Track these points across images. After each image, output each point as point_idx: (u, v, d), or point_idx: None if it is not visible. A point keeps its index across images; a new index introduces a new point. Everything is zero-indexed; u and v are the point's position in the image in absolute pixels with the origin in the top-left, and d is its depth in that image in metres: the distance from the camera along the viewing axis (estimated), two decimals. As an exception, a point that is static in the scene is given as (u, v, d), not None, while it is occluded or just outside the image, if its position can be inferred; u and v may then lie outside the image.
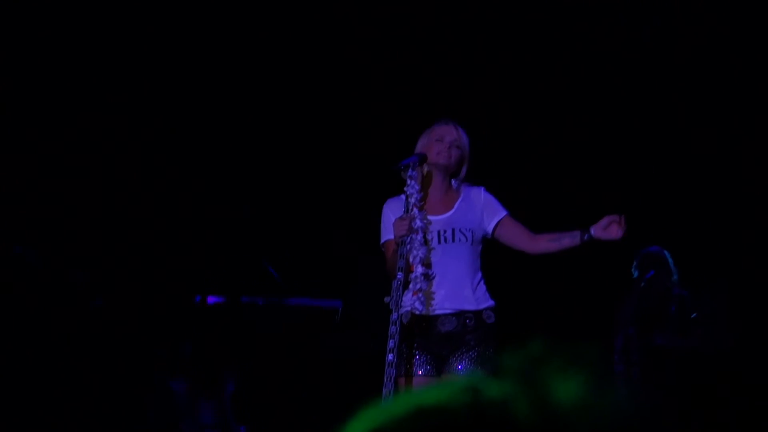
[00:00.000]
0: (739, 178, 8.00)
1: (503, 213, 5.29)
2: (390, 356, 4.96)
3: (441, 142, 5.28)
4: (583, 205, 8.19)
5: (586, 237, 5.24)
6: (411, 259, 5.11)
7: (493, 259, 5.37)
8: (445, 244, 5.20)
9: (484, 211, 5.27)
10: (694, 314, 7.10)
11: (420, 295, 5.09)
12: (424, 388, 0.72)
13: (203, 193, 7.89)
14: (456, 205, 5.27)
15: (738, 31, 8.00)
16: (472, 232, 5.23)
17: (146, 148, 7.84)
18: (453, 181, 5.33)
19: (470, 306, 5.16)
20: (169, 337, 6.75)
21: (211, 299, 6.70)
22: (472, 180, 5.37)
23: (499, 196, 5.35)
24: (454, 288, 5.17)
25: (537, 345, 0.71)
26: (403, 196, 5.23)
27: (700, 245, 7.90)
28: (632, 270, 7.31)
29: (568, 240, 5.29)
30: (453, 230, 5.21)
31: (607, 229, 5.22)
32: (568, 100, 8.25)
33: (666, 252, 7.25)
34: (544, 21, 8.14)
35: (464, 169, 5.33)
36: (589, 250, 7.95)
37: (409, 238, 5.11)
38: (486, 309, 5.19)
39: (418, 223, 5.18)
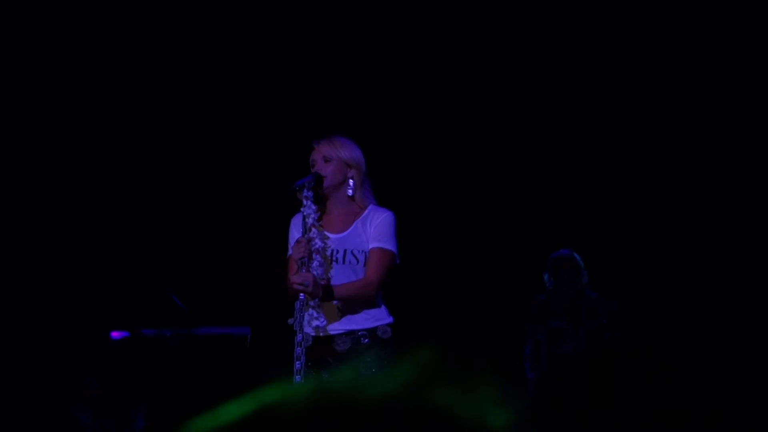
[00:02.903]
0: (659, 182, 8.04)
1: (374, 245, 5.20)
2: (297, 378, 4.93)
3: (314, 165, 5.27)
4: (494, 208, 8.22)
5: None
6: (309, 280, 5.10)
7: (401, 270, 5.34)
8: (336, 264, 5.19)
9: (371, 235, 5.24)
10: (604, 320, 7.11)
11: (314, 313, 5.08)
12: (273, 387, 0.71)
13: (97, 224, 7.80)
14: (353, 225, 5.24)
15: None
16: (364, 254, 5.20)
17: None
18: (366, 199, 5.30)
19: (363, 324, 5.15)
20: (75, 374, 6.65)
21: (115, 335, 6.62)
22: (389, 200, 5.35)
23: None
24: (345, 308, 5.16)
25: (424, 352, 0.71)
26: None
27: (610, 250, 7.94)
28: (543, 275, 7.32)
29: None
30: (345, 251, 5.19)
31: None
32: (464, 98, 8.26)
33: (576, 255, 7.27)
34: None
35: (352, 181, 5.28)
36: (501, 255, 8.01)
37: (307, 259, 5.10)
38: (382, 326, 5.17)
39: (318, 243, 5.18)
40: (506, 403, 0.71)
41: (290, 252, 5.24)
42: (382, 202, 5.36)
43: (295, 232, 5.25)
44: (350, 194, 5.28)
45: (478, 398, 0.70)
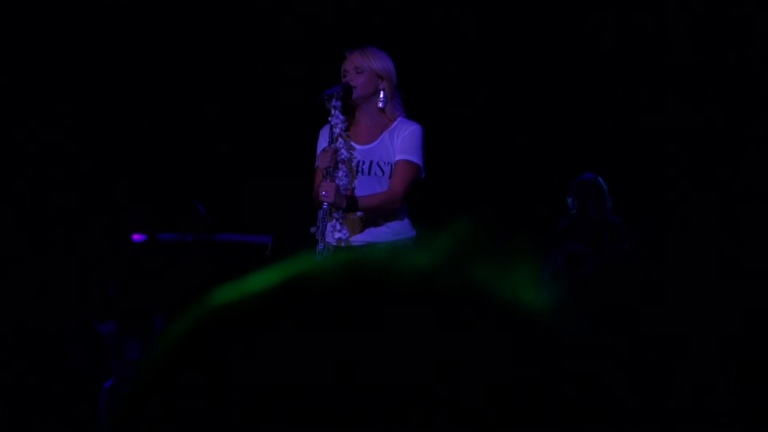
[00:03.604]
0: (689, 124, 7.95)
1: (400, 157, 5.19)
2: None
3: (345, 76, 5.25)
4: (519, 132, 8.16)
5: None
6: (335, 189, 5.10)
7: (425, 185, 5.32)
8: (362, 175, 5.20)
9: (398, 147, 5.21)
10: (626, 245, 7.06)
11: (338, 225, 5.08)
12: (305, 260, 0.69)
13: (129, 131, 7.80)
14: (380, 137, 5.24)
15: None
16: (390, 166, 5.18)
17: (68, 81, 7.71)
18: (396, 112, 5.27)
19: (386, 237, 5.14)
20: (94, 278, 6.69)
21: (136, 237, 6.63)
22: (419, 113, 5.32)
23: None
24: (367, 220, 5.16)
25: (460, 225, 0.69)
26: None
27: (637, 177, 7.88)
28: (567, 198, 7.27)
29: None
30: (371, 162, 5.20)
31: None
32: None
33: (600, 179, 7.21)
34: None
35: (383, 93, 5.26)
36: (525, 179, 7.97)
37: (332, 169, 5.09)
38: (404, 239, 5.15)
39: (344, 153, 5.19)
40: (541, 285, 0.69)
41: (316, 163, 5.24)
42: (411, 117, 5.34)
43: (323, 142, 5.26)
44: (381, 106, 5.27)
45: (515, 277, 0.68)
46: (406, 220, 5.25)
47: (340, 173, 5.15)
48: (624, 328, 6.56)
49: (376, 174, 5.18)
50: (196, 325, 0.66)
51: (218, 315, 0.66)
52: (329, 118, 5.21)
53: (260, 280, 0.68)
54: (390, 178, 5.17)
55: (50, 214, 7.37)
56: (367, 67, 5.22)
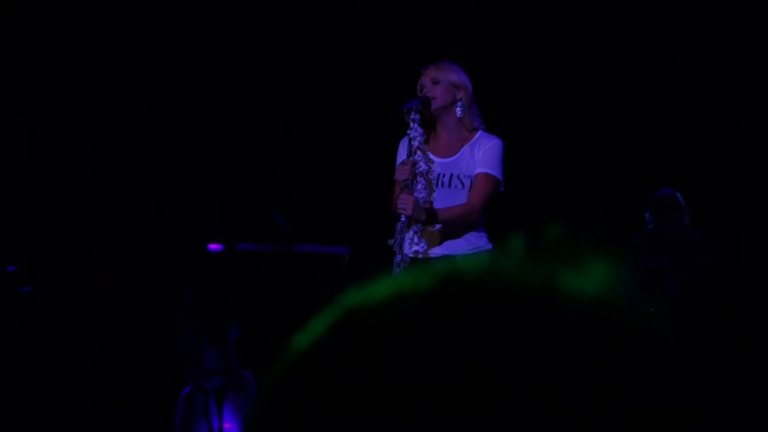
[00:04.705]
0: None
1: (481, 170, 5.20)
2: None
3: (422, 89, 5.31)
4: (595, 145, 8.11)
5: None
6: (413, 202, 5.11)
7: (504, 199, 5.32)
8: (442, 188, 5.21)
9: (478, 160, 5.22)
10: (705, 262, 7.00)
11: (416, 238, 5.09)
12: (404, 275, 0.70)
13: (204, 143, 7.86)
14: (461, 151, 5.26)
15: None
16: (470, 179, 5.19)
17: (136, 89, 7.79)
18: (474, 122, 5.29)
19: (463, 250, 5.15)
20: (172, 285, 6.74)
21: (212, 247, 6.68)
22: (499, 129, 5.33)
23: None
24: (446, 233, 5.17)
25: (551, 229, 0.71)
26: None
27: (713, 192, 7.79)
28: (644, 213, 7.23)
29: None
30: (451, 176, 5.21)
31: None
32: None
33: (678, 194, 7.16)
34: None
35: (460, 102, 5.28)
36: (601, 194, 7.92)
37: (411, 182, 5.11)
38: (481, 252, 5.15)
39: (422, 166, 5.21)
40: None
41: (396, 174, 5.26)
42: (489, 129, 5.36)
43: (402, 155, 5.29)
44: (459, 115, 5.29)
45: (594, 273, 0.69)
46: (483, 233, 5.26)
47: (419, 186, 5.17)
48: (713, 340, 6.51)
49: (456, 187, 5.19)
50: (335, 326, 0.68)
51: (353, 316, 0.68)
52: (408, 131, 5.25)
53: (376, 292, 0.68)
54: (469, 191, 5.18)
55: (130, 220, 7.46)
56: (443, 79, 5.27)
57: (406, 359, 0.63)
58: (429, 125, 5.32)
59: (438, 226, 5.15)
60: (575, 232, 0.72)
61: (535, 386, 0.63)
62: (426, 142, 5.27)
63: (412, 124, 5.22)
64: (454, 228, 5.17)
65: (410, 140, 5.22)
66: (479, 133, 5.30)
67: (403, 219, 5.06)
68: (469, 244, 5.18)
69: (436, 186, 5.20)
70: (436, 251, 5.16)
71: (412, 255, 5.11)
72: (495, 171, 5.21)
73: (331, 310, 0.69)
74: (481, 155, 5.22)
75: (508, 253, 0.71)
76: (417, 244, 5.10)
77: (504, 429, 0.61)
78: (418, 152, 5.21)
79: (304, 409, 0.64)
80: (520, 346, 0.63)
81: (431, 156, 5.26)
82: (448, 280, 0.68)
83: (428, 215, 5.06)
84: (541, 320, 0.65)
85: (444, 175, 5.21)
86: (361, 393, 0.63)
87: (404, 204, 5.03)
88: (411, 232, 5.10)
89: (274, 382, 0.67)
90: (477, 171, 5.20)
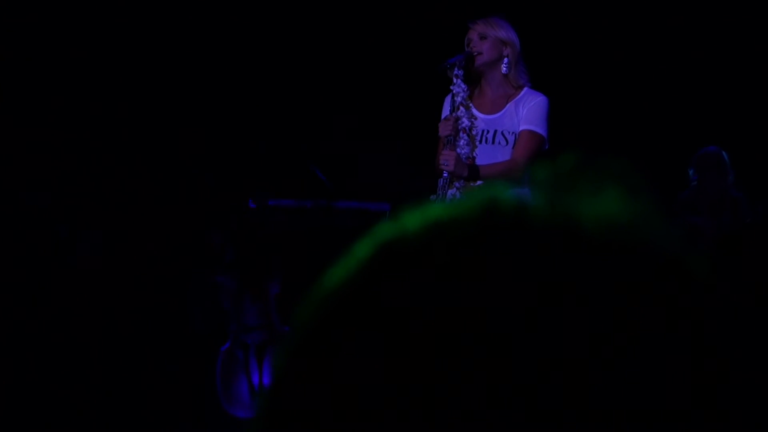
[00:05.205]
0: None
1: (525, 127, 5.15)
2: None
3: (469, 44, 5.25)
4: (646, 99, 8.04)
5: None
6: (456, 158, 5.08)
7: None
8: (485, 144, 5.16)
9: (523, 117, 5.17)
10: (748, 220, 6.92)
11: (458, 194, 5.06)
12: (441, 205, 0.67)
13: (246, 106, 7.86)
14: (506, 107, 5.21)
15: None
16: (514, 136, 5.15)
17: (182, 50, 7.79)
18: (520, 79, 5.23)
19: None
20: (214, 241, 6.76)
21: (252, 203, 6.68)
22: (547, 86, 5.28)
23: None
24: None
25: (568, 158, 0.68)
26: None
27: (761, 150, 7.71)
28: (689, 170, 7.15)
29: None
30: (495, 132, 5.16)
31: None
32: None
33: (724, 153, 7.07)
34: None
35: (506, 59, 5.22)
36: (648, 150, 7.84)
37: (453, 137, 5.08)
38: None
39: (465, 122, 5.16)
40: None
41: (439, 130, 5.23)
42: (535, 87, 5.30)
43: (446, 111, 5.25)
44: (505, 72, 5.23)
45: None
46: (527, 190, 5.20)
47: (461, 142, 5.13)
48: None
49: (499, 143, 5.14)
50: (367, 261, 0.65)
51: (387, 252, 0.64)
52: (451, 87, 5.20)
53: (412, 221, 0.65)
54: (513, 148, 5.14)
55: (172, 178, 7.46)
56: (491, 34, 5.21)
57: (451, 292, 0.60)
58: (474, 81, 5.26)
59: (480, 182, 5.11)
60: (592, 159, 0.69)
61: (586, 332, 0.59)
62: (470, 98, 5.22)
63: (455, 80, 5.18)
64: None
65: (453, 96, 5.18)
66: (525, 89, 5.24)
67: (445, 175, 5.03)
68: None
69: (479, 142, 5.16)
70: (478, 207, 5.13)
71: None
72: (540, 128, 5.16)
73: (364, 245, 0.66)
74: (526, 112, 5.17)
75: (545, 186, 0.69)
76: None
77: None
78: (461, 108, 5.17)
79: (335, 347, 0.61)
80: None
81: (475, 112, 5.21)
82: (488, 209, 0.65)
83: (470, 171, 5.02)
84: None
85: (488, 132, 5.17)
86: (394, 332, 0.60)
87: (446, 160, 5.00)
88: (453, 189, 5.06)
89: (304, 318, 0.65)
90: (521, 128, 5.15)
